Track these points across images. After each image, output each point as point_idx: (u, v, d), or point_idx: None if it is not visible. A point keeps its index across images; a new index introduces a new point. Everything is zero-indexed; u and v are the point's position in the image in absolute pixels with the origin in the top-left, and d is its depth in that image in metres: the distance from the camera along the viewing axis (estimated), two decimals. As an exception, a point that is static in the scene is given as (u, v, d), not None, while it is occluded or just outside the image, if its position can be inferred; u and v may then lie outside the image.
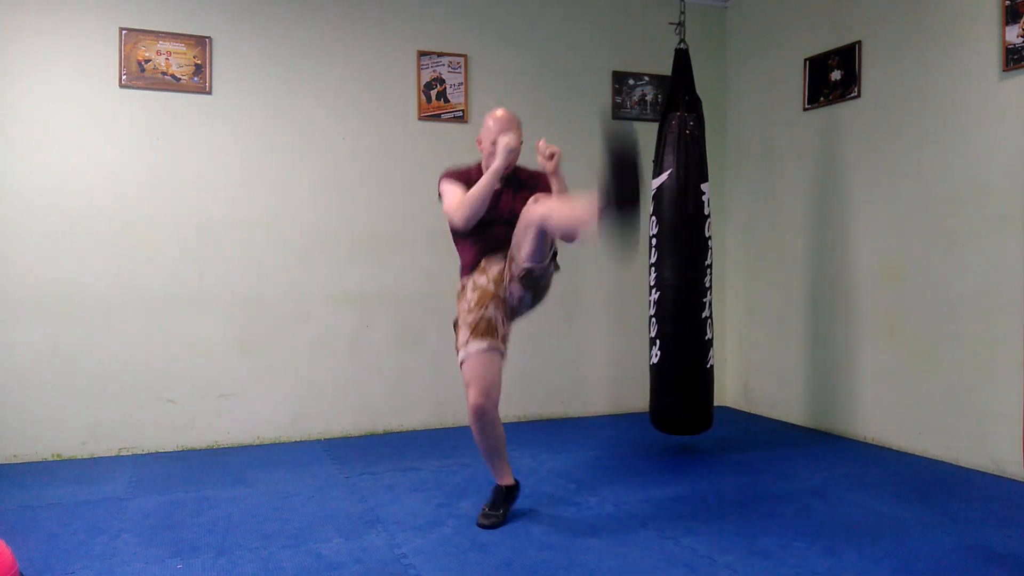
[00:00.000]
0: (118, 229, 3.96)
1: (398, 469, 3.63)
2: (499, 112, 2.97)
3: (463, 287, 2.96)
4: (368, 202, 4.40)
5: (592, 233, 2.57)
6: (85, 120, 3.91)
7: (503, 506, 2.93)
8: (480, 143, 3.01)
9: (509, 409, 4.65)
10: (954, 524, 2.84)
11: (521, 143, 2.96)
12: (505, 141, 2.84)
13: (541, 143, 2.87)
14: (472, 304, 2.85)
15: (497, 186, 2.90)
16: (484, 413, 2.79)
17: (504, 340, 2.85)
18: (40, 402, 3.83)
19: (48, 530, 2.84)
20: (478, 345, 2.78)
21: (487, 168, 2.92)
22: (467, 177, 2.98)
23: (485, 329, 2.80)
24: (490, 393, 2.78)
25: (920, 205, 3.81)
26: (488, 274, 2.90)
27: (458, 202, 2.85)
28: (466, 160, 4.49)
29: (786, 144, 4.66)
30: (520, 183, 3.02)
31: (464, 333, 2.83)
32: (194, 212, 4.08)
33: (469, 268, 2.98)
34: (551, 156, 2.86)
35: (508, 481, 2.98)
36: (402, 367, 4.46)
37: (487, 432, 2.84)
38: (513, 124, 2.96)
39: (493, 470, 2.98)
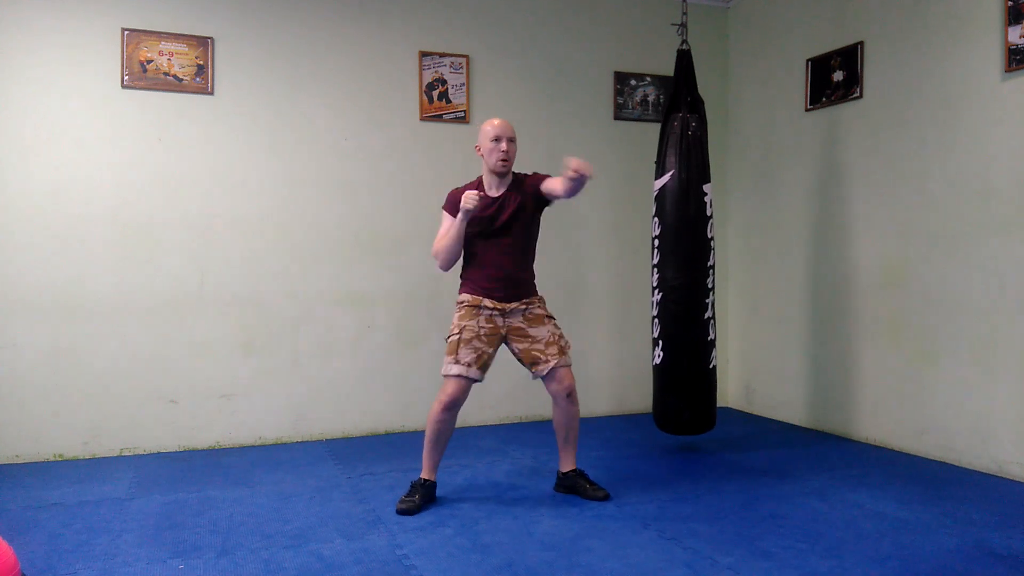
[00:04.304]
0: (120, 229, 3.96)
1: (400, 470, 3.63)
2: (496, 120, 3.16)
3: (459, 303, 3.19)
4: (370, 203, 4.40)
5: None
6: (87, 121, 3.92)
7: (418, 493, 3.10)
8: (479, 149, 3.17)
9: (512, 409, 4.66)
10: (956, 525, 2.84)
11: (513, 154, 3.14)
12: (469, 204, 2.99)
13: (580, 166, 2.88)
14: (454, 320, 3.16)
15: (498, 193, 3.14)
16: (455, 406, 3.11)
17: (481, 367, 3.12)
18: (42, 402, 3.84)
19: (50, 530, 2.84)
20: (451, 368, 3.09)
21: (488, 173, 3.16)
22: (457, 205, 3.11)
23: (453, 348, 3.09)
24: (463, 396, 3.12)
25: (922, 206, 3.80)
26: (480, 312, 3.12)
27: (435, 248, 3.15)
28: (467, 161, 4.51)
29: (788, 145, 4.65)
30: (521, 189, 3.17)
31: (447, 354, 3.13)
32: (196, 213, 4.09)
33: (469, 287, 3.18)
34: (576, 170, 2.88)
35: (430, 477, 3.18)
36: (404, 368, 4.46)
37: (448, 425, 3.15)
38: (511, 128, 3.15)
39: (426, 460, 3.17)
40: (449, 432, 3.16)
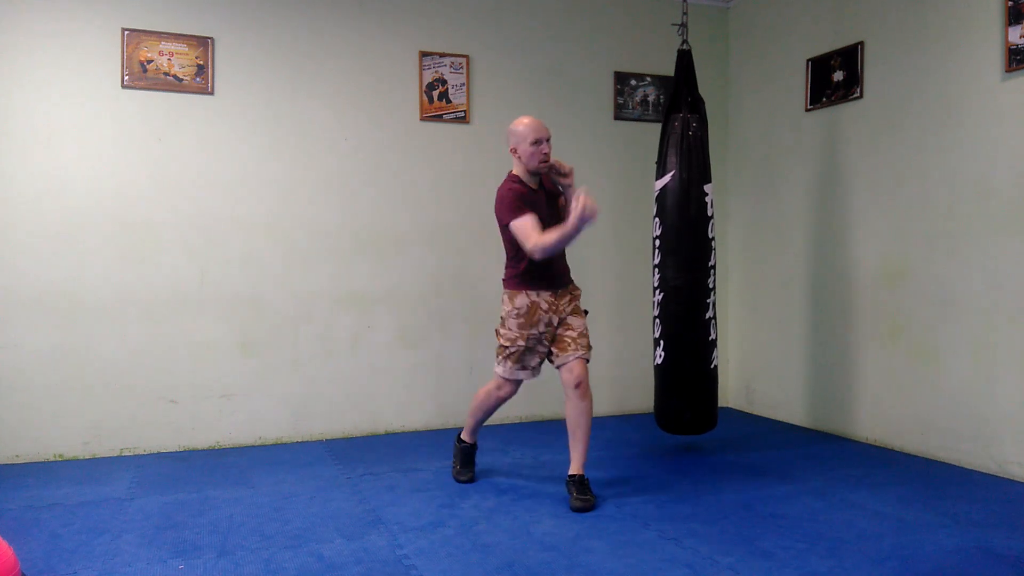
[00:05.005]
0: (120, 229, 3.96)
1: (400, 470, 3.63)
2: (526, 119, 3.17)
3: (507, 298, 3.24)
4: (370, 203, 4.40)
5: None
6: (87, 120, 3.91)
7: (468, 461, 3.49)
8: (514, 151, 3.17)
9: (512, 410, 4.65)
10: (956, 525, 2.84)
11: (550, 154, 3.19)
12: (590, 207, 2.90)
13: (557, 162, 3.16)
14: (511, 328, 3.22)
15: (536, 187, 3.21)
16: (509, 395, 3.33)
17: (533, 369, 3.28)
18: (42, 402, 3.84)
19: (50, 530, 2.84)
20: (518, 374, 3.27)
21: (525, 171, 3.18)
22: (525, 201, 3.12)
23: (517, 357, 3.23)
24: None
25: (922, 206, 3.80)
26: (537, 301, 3.20)
27: (537, 238, 3.02)
28: (467, 161, 4.51)
29: (788, 145, 4.65)
30: (547, 181, 3.28)
31: (499, 354, 3.28)
32: (196, 212, 4.09)
33: (516, 282, 3.21)
34: (567, 174, 3.17)
35: (472, 440, 3.50)
36: (404, 367, 4.46)
37: (495, 401, 3.36)
38: (546, 127, 3.17)
39: (471, 425, 3.47)
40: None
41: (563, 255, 3.28)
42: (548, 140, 3.14)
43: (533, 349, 3.22)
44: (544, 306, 3.19)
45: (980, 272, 3.53)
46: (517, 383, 3.30)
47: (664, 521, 2.91)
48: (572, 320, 3.22)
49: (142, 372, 3.99)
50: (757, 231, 4.94)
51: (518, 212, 3.07)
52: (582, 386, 3.15)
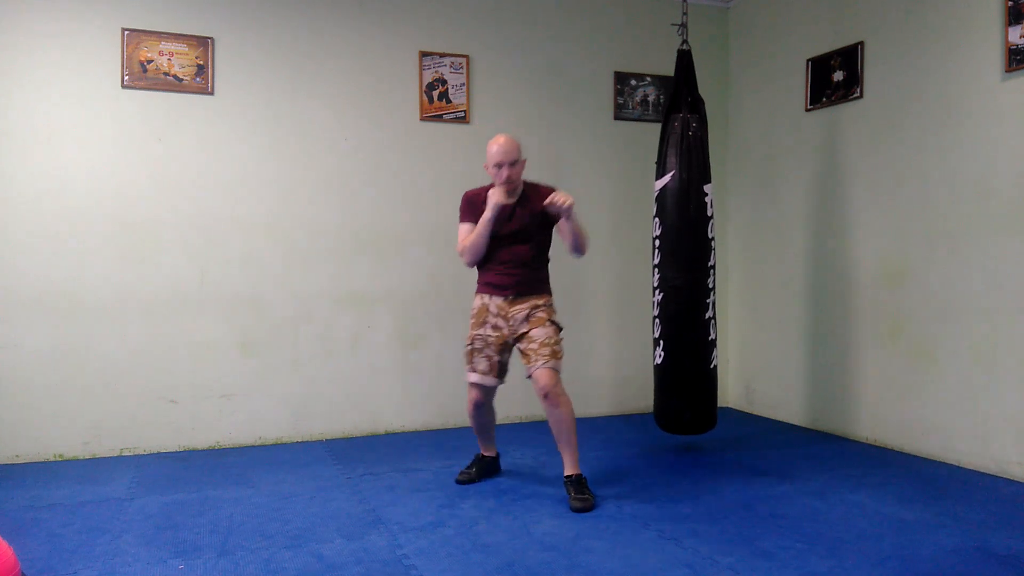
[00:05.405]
0: (120, 229, 3.96)
1: (400, 470, 3.63)
2: (501, 139, 3.21)
3: (471, 311, 3.35)
4: (370, 203, 4.40)
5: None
6: (87, 120, 3.91)
7: (475, 466, 3.48)
8: (487, 168, 3.23)
9: (512, 410, 4.65)
10: (956, 525, 2.84)
11: (516, 176, 3.22)
12: (493, 200, 3.16)
13: (556, 198, 3.08)
14: (470, 327, 3.32)
15: (509, 201, 3.22)
16: (481, 405, 3.37)
17: (496, 374, 3.32)
18: (42, 402, 3.84)
19: (50, 530, 2.84)
20: (469, 376, 3.33)
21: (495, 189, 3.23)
22: (480, 205, 3.24)
23: (469, 357, 3.32)
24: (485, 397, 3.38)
25: (922, 206, 3.80)
26: (490, 305, 3.27)
27: (462, 246, 3.26)
28: (467, 161, 4.52)
29: (788, 145, 4.65)
30: (527, 198, 3.27)
31: (465, 359, 3.36)
32: (196, 212, 4.09)
33: (477, 285, 3.35)
34: (568, 207, 3.09)
35: (488, 453, 3.56)
36: (404, 368, 4.46)
37: (482, 419, 3.44)
38: (512, 151, 3.18)
39: (479, 442, 3.55)
40: (487, 422, 3.45)
41: (529, 266, 3.26)
42: (511, 164, 3.15)
43: (481, 351, 3.27)
44: (493, 309, 3.25)
45: (980, 272, 3.53)
46: (475, 387, 3.30)
47: (664, 521, 2.91)
48: (533, 332, 3.19)
49: (142, 372, 3.99)
50: (757, 231, 4.94)
51: (460, 217, 3.30)
52: (551, 395, 3.12)
